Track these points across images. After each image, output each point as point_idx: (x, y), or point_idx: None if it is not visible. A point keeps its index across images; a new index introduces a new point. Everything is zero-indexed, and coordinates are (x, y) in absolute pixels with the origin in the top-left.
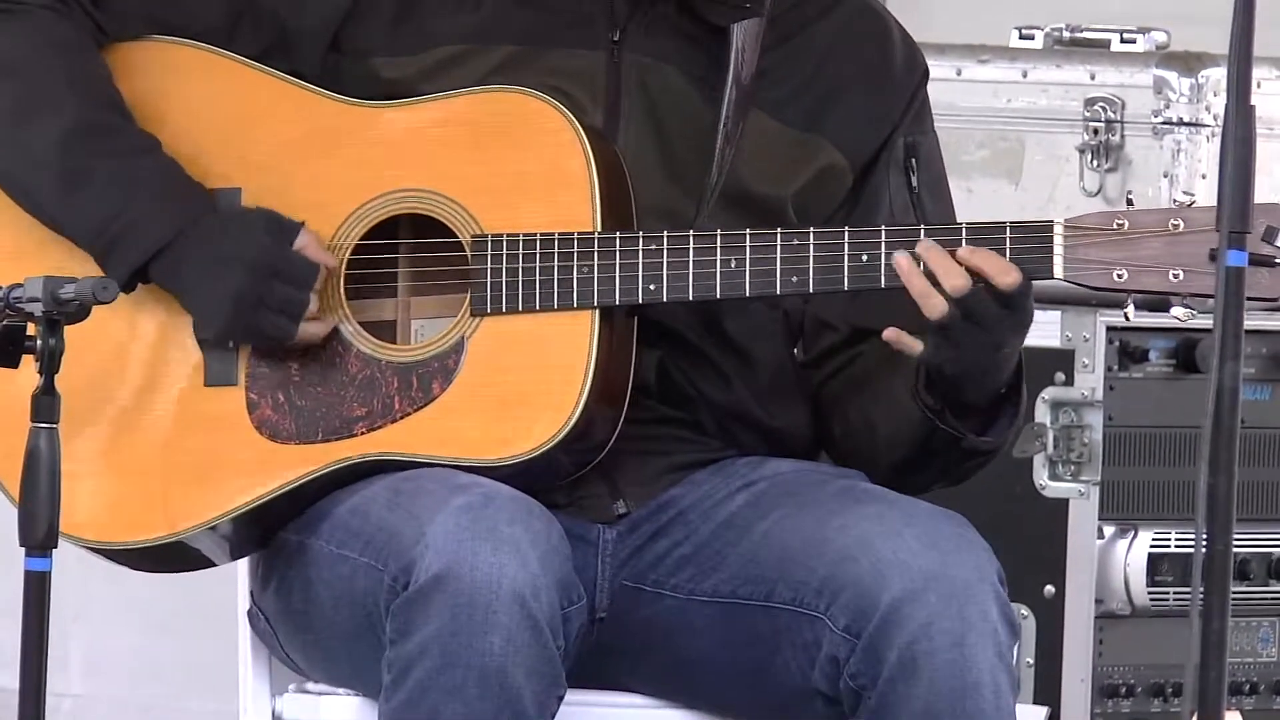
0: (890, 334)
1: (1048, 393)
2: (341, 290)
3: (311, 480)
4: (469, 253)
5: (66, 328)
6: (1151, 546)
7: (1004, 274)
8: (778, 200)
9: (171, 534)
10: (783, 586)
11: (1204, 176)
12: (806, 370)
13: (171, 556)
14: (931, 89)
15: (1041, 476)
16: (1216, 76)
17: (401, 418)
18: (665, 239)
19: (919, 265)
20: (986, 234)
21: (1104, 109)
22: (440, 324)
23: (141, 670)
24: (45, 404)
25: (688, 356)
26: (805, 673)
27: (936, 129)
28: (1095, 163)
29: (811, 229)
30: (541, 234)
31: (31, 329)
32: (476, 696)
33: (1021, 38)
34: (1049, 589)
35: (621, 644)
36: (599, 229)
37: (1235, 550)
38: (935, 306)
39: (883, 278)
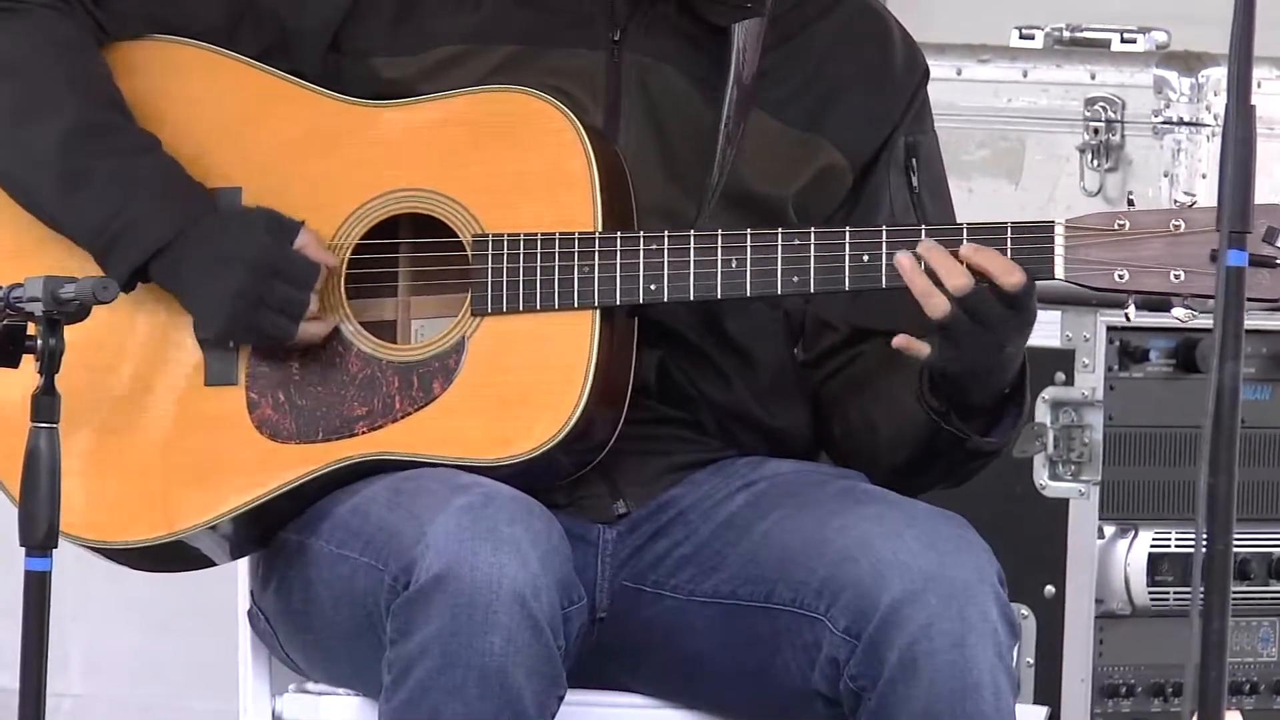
0: (900, 341)
1: (1048, 392)
2: (342, 290)
3: (312, 480)
4: (470, 252)
5: (67, 327)
6: (1152, 546)
7: (1008, 274)
8: (778, 200)
9: (171, 533)
10: (783, 587)
11: (1204, 176)
12: (807, 370)
13: (171, 556)
14: (932, 89)
15: (1042, 476)
16: (1217, 76)
17: (402, 417)
18: (666, 239)
19: (920, 265)
20: (987, 234)
21: (1104, 109)
22: (441, 324)
23: (141, 670)
24: (45, 404)
25: (688, 356)
26: (805, 674)
27: (937, 129)
28: (1095, 162)
29: (813, 229)
30: (542, 234)
31: (31, 329)
32: (477, 696)
33: (1022, 37)
34: (1049, 589)
35: (621, 644)
36: (600, 229)
37: (1235, 550)
38: (937, 306)
39: (883, 278)
